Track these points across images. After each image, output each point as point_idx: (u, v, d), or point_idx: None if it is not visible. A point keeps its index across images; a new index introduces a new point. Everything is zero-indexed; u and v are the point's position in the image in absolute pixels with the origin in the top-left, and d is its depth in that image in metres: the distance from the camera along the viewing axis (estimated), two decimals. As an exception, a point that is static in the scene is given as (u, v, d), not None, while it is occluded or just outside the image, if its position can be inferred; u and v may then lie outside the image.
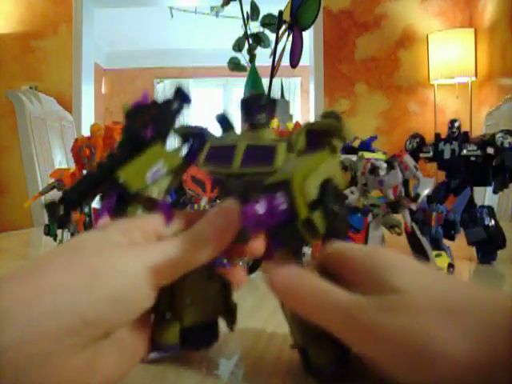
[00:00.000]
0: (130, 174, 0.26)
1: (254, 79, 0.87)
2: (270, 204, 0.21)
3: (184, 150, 0.28)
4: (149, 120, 0.27)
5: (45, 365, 0.19)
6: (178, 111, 0.28)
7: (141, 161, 0.26)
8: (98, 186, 0.26)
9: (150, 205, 0.27)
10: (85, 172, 0.52)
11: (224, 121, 0.28)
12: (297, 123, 0.65)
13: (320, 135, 0.24)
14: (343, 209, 0.22)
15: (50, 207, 0.26)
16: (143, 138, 0.26)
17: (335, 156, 0.24)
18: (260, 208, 0.21)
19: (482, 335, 0.19)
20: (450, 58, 2.36)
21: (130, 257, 0.22)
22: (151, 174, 0.26)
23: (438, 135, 0.62)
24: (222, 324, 0.27)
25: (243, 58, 0.95)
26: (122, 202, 0.26)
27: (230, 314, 0.27)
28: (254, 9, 0.91)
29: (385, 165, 0.44)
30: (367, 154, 0.58)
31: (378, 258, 0.23)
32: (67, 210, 0.26)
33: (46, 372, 0.19)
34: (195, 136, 0.28)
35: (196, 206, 0.46)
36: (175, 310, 0.26)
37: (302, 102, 4.76)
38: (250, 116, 0.26)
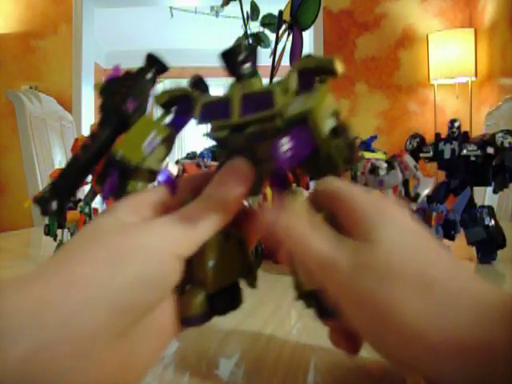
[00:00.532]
0: (126, 148, 0.25)
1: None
2: (299, 135, 0.21)
3: (170, 117, 0.27)
4: (126, 92, 0.26)
5: (83, 364, 0.18)
6: (155, 79, 0.27)
7: (133, 133, 0.25)
8: (86, 169, 0.26)
9: (152, 177, 0.26)
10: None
11: (200, 83, 0.27)
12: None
13: (311, 74, 0.24)
14: (354, 138, 0.22)
15: (41, 201, 0.25)
16: (125, 111, 0.26)
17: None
18: (290, 141, 0.21)
19: (450, 316, 0.19)
20: (449, 58, 2.36)
21: (151, 234, 0.21)
22: (146, 144, 0.25)
23: (437, 135, 0.62)
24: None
25: (243, 57, 0.95)
26: (123, 179, 0.25)
27: (250, 272, 0.27)
28: (254, 9, 0.91)
29: (385, 165, 0.44)
30: (367, 154, 0.58)
31: (378, 209, 0.22)
32: (59, 200, 0.25)
33: (85, 371, 0.18)
34: (179, 100, 0.27)
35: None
36: (197, 278, 0.25)
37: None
38: (235, 68, 0.25)
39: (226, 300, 0.25)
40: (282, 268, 0.54)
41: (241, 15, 0.89)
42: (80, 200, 0.56)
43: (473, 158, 0.59)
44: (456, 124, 0.60)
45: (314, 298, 0.24)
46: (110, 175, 0.25)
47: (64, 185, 0.25)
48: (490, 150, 0.58)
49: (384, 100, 2.60)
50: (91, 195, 0.57)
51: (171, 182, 0.25)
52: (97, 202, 0.57)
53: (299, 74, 0.24)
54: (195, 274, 0.25)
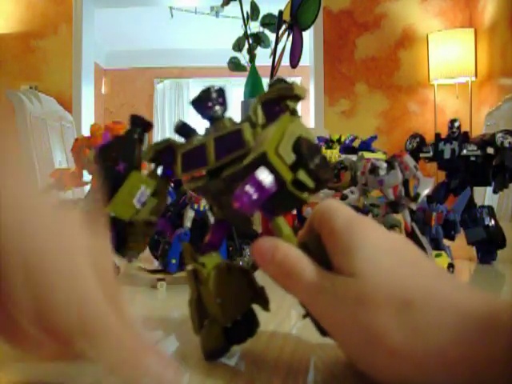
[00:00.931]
0: (118, 205, 0.27)
1: (254, 79, 0.87)
2: (257, 180, 0.22)
3: (159, 169, 0.29)
4: (116, 155, 0.29)
5: None
6: (141, 138, 0.29)
7: (124, 190, 0.27)
8: None
9: (149, 228, 0.28)
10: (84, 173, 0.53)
11: (183, 128, 0.28)
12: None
13: (275, 103, 0.25)
14: (323, 159, 0.23)
15: None
16: (118, 172, 0.28)
17: (297, 117, 0.25)
18: (249, 188, 0.22)
19: (431, 333, 0.19)
20: (450, 58, 2.36)
21: None
22: (137, 199, 0.27)
23: (437, 135, 0.62)
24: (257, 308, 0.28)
25: (243, 58, 0.95)
26: (121, 235, 0.27)
27: (260, 296, 0.28)
28: (254, 9, 0.91)
29: (385, 165, 0.44)
30: (367, 154, 0.58)
31: (352, 234, 0.23)
32: None
33: None
34: (162, 152, 0.29)
35: (196, 206, 0.46)
36: (210, 314, 0.26)
37: (301, 102, 4.74)
38: (205, 112, 0.27)
39: (241, 330, 0.27)
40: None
41: (241, 15, 0.89)
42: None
43: (473, 158, 0.59)
44: (456, 124, 0.60)
45: (312, 318, 0.25)
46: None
47: None
48: (490, 150, 0.58)
49: (384, 100, 2.60)
50: (91, 195, 0.57)
51: (168, 228, 0.27)
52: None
53: (263, 106, 0.25)
54: (208, 311, 0.27)
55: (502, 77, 2.18)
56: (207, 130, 0.27)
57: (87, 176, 0.58)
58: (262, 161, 0.22)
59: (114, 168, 0.28)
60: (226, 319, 0.26)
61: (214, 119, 0.27)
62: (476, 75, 2.36)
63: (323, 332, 0.25)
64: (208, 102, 0.26)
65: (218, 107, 0.26)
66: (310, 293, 0.22)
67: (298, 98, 0.25)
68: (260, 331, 0.31)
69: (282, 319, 0.36)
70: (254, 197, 0.22)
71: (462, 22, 2.58)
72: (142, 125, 0.30)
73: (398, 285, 0.21)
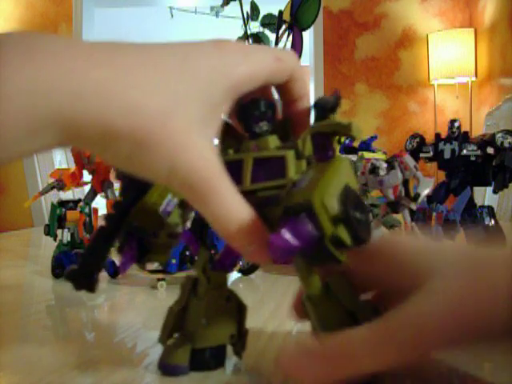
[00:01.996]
0: (143, 215, 0.25)
1: (254, 79, 0.87)
2: (296, 227, 0.20)
3: None
4: None
5: None
6: None
7: (149, 199, 0.26)
8: (112, 238, 0.26)
9: (173, 238, 0.27)
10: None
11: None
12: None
13: (326, 136, 0.24)
14: (366, 214, 0.22)
15: (71, 276, 0.25)
16: (139, 179, 0.27)
17: (345, 160, 0.23)
18: (286, 234, 0.20)
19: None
20: (450, 58, 2.36)
21: None
22: (163, 209, 0.26)
23: (438, 135, 0.62)
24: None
25: (243, 57, 0.95)
26: (143, 247, 0.26)
27: (241, 338, 0.27)
28: (254, 9, 0.91)
29: (385, 165, 0.44)
30: (367, 154, 0.58)
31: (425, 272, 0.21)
32: (90, 273, 0.25)
33: None
34: None
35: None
36: (187, 330, 0.25)
37: (301, 102, 4.75)
38: (250, 125, 0.25)
39: (208, 359, 0.25)
40: (282, 268, 0.54)
41: (241, 15, 0.89)
42: (80, 200, 0.56)
43: (473, 158, 0.59)
44: (456, 124, 0.60)
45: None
46: (129, 243, 0.25)
47: (93, 259, 0.26)
48: (490, 150, 0.58)
49: (384, 100, 2.60)
50: (91, 195, 0.57)
51: (192, 241, 0.26)
52: (97, 202, 0.57)
53: (313, 138, 0.24)
54: (186, 326, 0.25)
55: (502, 77, 2.18)
56: (248, 143, 0.25)
57: (87, 176, 0.58)
58: (306, 209, 0.20)
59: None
60: (201, 342, 0.25)
61: (258, 135, 0.25)
62: (476, 75, 2.36)
63: None
64: (255, 115, 0.24)
65: (264, 122, 0.25)
66: (375, 348, 0.20)
67: (352, 137, 0.24)
68: (260, 331, 0.31)
69: (282, 319, 0.36)
70: (291, 244, 0.20)
71: (461, 22, 2.58)
72: None
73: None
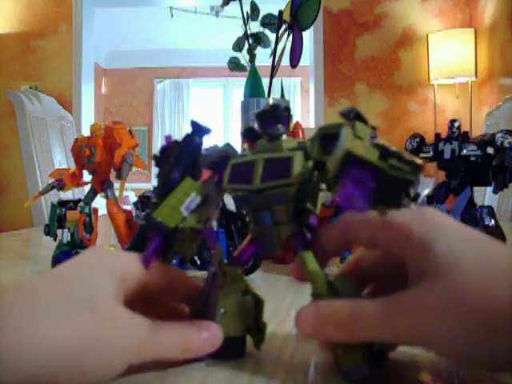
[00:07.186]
0: (165, 211, 0.27)
1: (254, 79, 0.87)
2: (353, 178, 0.22)
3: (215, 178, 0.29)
4: (174, 161, 0.28)
5: None
6: (200, 144, 0.29)
7: (172, 197, 0.27)
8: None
9: (196, 235, 0.28)
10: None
11: (250, 133, 0.29)
12: (297, 123, 0.65)
13: (334, 138, 0.24)
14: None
15: None
16: (172, 180, 0.28)
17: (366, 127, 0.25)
18: (350, 186, 0.22)
19: None
20: (449, 58, 2.36)
21: None
22: (185, 206, 0.27)
23: (437, 135, 0.62)
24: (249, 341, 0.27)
25: (243, 58, 0.95)
26: (166, 242, 0.27)
27: (259, 332, 0.27)
28: (254, 9, 0.91)
29: (385, 165, 0.44)
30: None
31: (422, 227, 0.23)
32: None
33: None
34: (220, 162, 0.29)
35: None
36: (206, 319, 0.26)
37: (302, 102, 4.76)
38: (267, 128, 0.27)
39: (226, 348, 0.26)
40: (282, 268, 0.54)
41: (241, 15, 0.89)
42: (80, 200, 0.56)
43: (473, 158, 0.59)
44: (456, 124, 0.60)
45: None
46: (152, 239, 0.27)
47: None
48: (490, 150, 0.58)
49: (384, 100, 2.60)
50: (91, 195, 0.57)
51: (213, 238, 0.28)
52: (97, 202, 0.57)
53: (321, 139, 0.25)
54: (206, 317, 0.26)
55: (502, 77, 2.18)
56: (263, 146, 0.27)
57: (87, 176, 0.58)
58: (349, 158, 0.22)
59: (169, 175, 0.28)
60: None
61: (273, 137, 0.27)
62: (476, 75, 2.36)
63: (342, 372, 0.24)
64: (274, 118, 0.26)
65: (280, 125, 0.27)
66: (383, 322, 0.21)
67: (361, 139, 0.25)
68: (260, 331, 0.31)
69: (282, 319, 0.36)
70: (358, 193, 0.22)
71: (461, 22, 2.58)
72: (201, 130, 0.29)
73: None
